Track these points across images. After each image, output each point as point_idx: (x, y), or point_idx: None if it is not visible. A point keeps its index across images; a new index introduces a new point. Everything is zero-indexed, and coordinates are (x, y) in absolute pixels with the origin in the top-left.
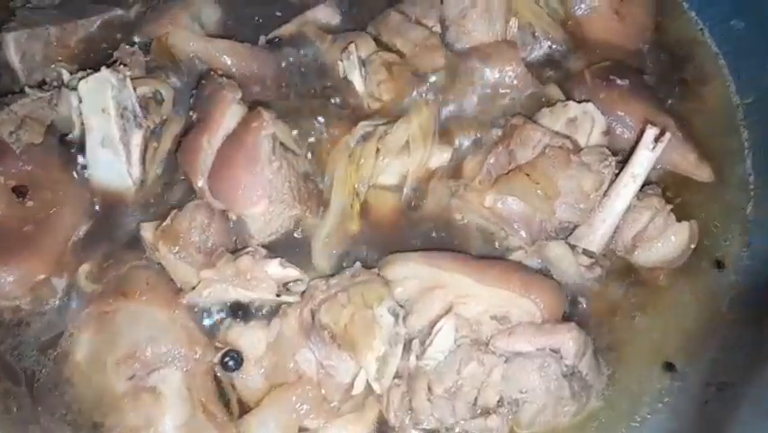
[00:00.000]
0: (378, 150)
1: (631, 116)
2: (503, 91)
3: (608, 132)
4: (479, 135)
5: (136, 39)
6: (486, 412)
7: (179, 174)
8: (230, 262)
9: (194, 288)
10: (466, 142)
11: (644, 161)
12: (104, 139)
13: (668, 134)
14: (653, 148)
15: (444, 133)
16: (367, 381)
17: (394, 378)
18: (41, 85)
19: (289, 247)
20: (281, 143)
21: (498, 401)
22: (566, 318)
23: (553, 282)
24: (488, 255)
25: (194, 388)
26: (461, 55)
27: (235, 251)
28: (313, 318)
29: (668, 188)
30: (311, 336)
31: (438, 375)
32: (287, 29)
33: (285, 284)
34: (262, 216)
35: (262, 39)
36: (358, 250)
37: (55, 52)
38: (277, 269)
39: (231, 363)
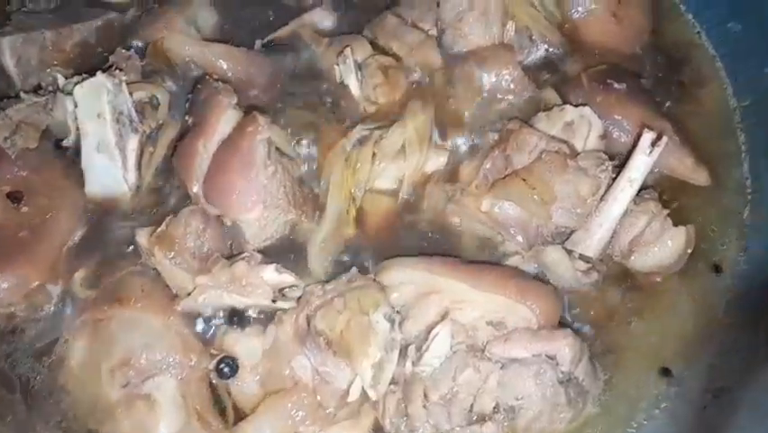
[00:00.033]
0: (374, 154)
1: (628, 120)
2: (500, 95)
3: (604, 136)
4: (475, 139)
5: (132, 43)
6: (482, 419)
7: (175, 179)
8: (225, 267)
9: (189, 294)
10: (463, 146)
11: (640, 166)
12: (99, 144)
13: (665, 139)
14: (650, 153)
15: (441, 136)
16: (362, 387)
17: (390, 384)
18: (36, 89)
19: (285, 252)
20: (277, 148)
21: (494, 408)
22: (562, 324)
23: (549, 288)
24: (484, 260)
25: (189, 395)
26: (457, 59)
27: (231, 256)
28: (308, 325)
29: (664, 192)
30: (307, 343)
31: (434, 382)
32: (283, 32)
33: (281, 290)
34: (257, 222)
35: (258, 43)
36: (354, 255)
37: (51, 57)
38: (272, 274)
39: (226, 369)
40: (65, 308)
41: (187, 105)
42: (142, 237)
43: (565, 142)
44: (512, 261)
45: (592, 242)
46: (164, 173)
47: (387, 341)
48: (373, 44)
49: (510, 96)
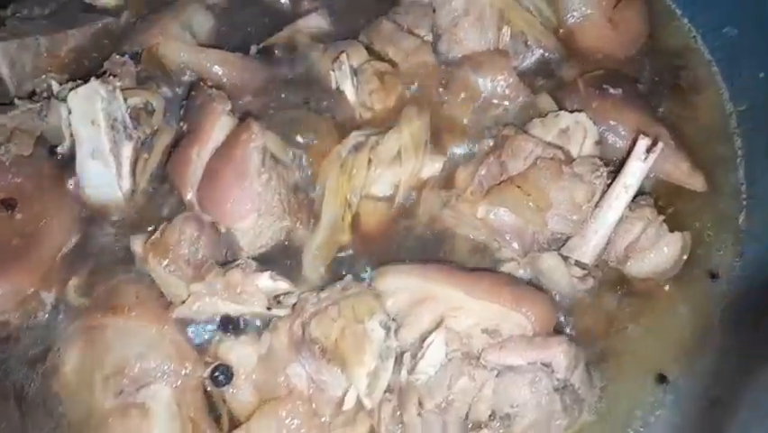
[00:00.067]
0: (370, 160)
1: (624, 125)
2: (495, 101)
3: (600, 142)
4: (471, 145)
5: (127, 49)
6: (477, 427)
7: (169, 186)
8: (219, 275)
9: (184, 301)
10: (458, 152)
11: (636, 172)
12: (93, 151)
13: (660, 145)
14: (646, 159)
15: (436, 142)
16: (358, 396)
17: (385, 392)
18: (30, 96)
19: (280, 259)
20: (271, 155)
21: (490, 416)
22: (558, 331)
23: (544, 295)
24: (480, 267)
25: (183, 404)
26: (452, 64)
27: (226, 263)
28: (303, 332)
29: (660, 198)
30: (301, 351)
31: (429, 390)
32: (278, 38)
33: (275, 297)
34: (252, 229)
35: (253, 48)
36: (349, 261)
37: (45, 63)
38: (267, 282)
39: (221, 377)
40: (59, 315)
41: (181, 111)
42: (137, 244)
43: (560, 148)
44: (507, 267)
45: (588, 248)
46: (159, 180)
47: (382, 349)
48: (369, 50)
49: (506, 102)
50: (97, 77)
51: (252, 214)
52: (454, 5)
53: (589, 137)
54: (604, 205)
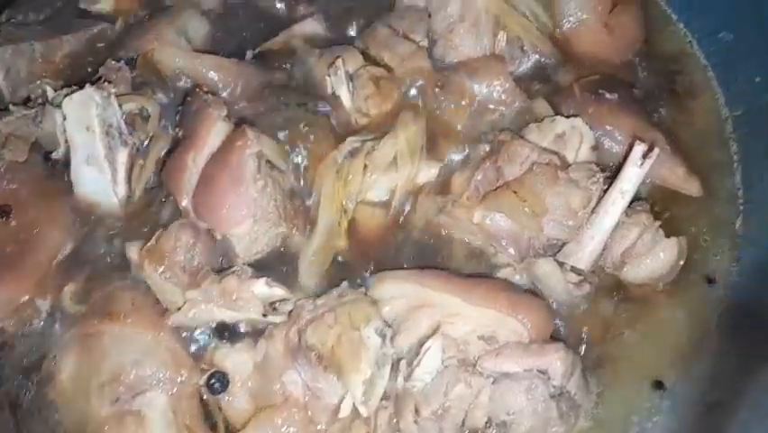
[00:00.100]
0: (365, 166)
1: (620, 131)
2: (491, 106)
3: (596, 147)
4: (467, 151)
5: (122, 54)
6: None
7: (165, 192)
8: (215, 282)
9: (179, 308)
10: (454, 157)
11: (632, 178)
12: (88, 157)
13: (656, 150)
14: (642, 164)
15: (432, 148)
16: (354, 403)
17: (381, 400)
18: (25, 102)
19: (276, 265)
20: (267, 161)
21: (486, 423)
22: (554, 337)
23: (541, 301)
24: (476, 272)
25: (179, 411)
26: (448, 69)
27: (222, 270)
28: (299, 339)
29: (656, 203)
30: (297, 358)
31: (425, 397)
32: (274, 43)
33: (271, 304)
34: (248, 236)
35: (249, 54)
36: (345, 267)
37: (40, 68)
38: (263, 288)
39: (217, 385)
40: (54, 323)
41: (177, 117)
42: (133, 251)
43: (556, 153)
44: (504, 272)
45: (584, 254)
46: (154, 186)
47: (378, 356)
48: (365, 55)
49: (502, 107)
50: (92, 83)
51: (248, 220)
52: (450, 11)
53: (585, 142)
54: (600, 210)
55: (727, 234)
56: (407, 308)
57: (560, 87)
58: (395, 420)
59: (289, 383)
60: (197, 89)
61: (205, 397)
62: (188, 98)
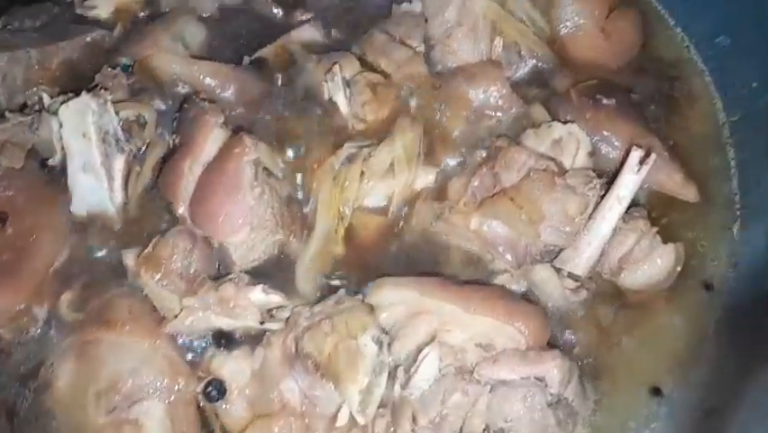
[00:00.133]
0: (362, 172)
1: (617, 136)
2: (488, 112)
3: (593, 153)
4: (464, 156)
5: (119, 61)
6: None
7: (162, 199)
8: (212, 289)
9: (176, 316)
10: (451, 163)
11: (629, 184)
12: (85, 164)
13: (653, 156)
14: (639, 171)
15: (429, 154)
16: (351, 412)
17: (378, 408)
18: (21, 109)
19: (273, 272)
20: (264, 168)
21: (484, 430)
22: (552, 344)
23: (538, 309)
24: (473, 278)
25: (176, 419)
26: (445, 75)
27: (219, 277)
28: (296, 347)
29: (654, 208)
30: (295, 366)
31: (423, 405)
32: (271, 49)
33: (268, 311)
34: (244, 243)
35: (246, 59)
36: (343, 273)
37: (36, 75)
38: (260, 295)
39: (214, 392)
40: (51, 330)
41: (174, 123)
42: (129, 258)
43: (553, 159)
44: (501, 279)
45: (581, 260)
46: (151, 193)
47: (375, 364)
48: (362, 61)
49: (499, 113)
50: (89, 90)
51: (245, 228)
52: (447, 16)
53: (582, 148)
54: (597, 217)
55: (725, 240)
56: (405, 315)
57: (557, 93)
58: (392, 429)
59: (287, 391)
60: (194, 96)
61: (202, 405)
62: (185, 105)
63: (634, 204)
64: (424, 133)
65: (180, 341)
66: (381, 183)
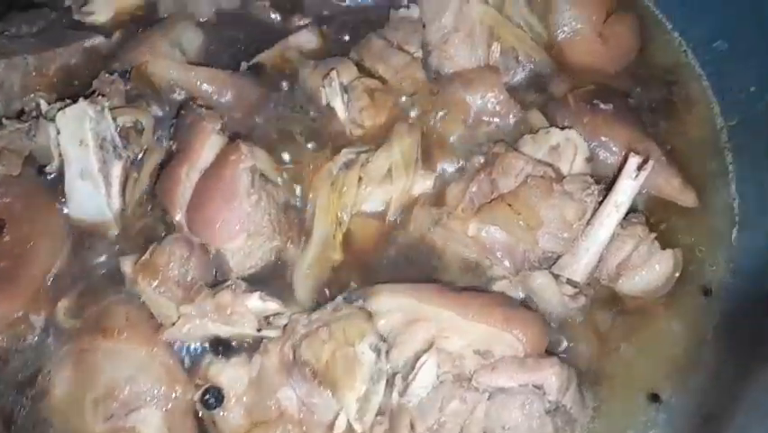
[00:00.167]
0: (360, 178)
1: (615, 141)
2: (485, 117)
3: (591, 158)
4: (462, 162)
5: (116, 67)
6: None
7: (160, 205)
8: (209, 296)
9: (174, 323)
10: (449, 169)
11: (627, 190)
12: (82, 171)
13: (651, 163)
14: (636, 177)
15: (427, 159)
16: (348, 420)
17: (376, 415)
18: (19, 115)
19: (271, 279)
20: (261, 174)
21: None
22: (550, 350)
23: (536, 316)
24: (471, 285)
25: (174, 427)
26: (443, 81)
27: (216, 284)
28: (294, 354)
29: (652, 214)
30: (292, 373)
31: (421, 413)
32: (268, 54)
33: (266, 318)
34: (241, 250)
35: (244, 65)
36: (340, 279)
37: (34, 82)
38: (257, 303)
39: (211, 400)
40: (48, 338)
41: (171, 129)
42: (127, 265)
43: (551, 165)
44: (499, 285)
45: (579, 266)
46: (149, 199)
47: (373, 371)
48: (359, 66)
49: (496, 119)
50: (86, 96)
51: (242, 235)
52: (444, 22)
53: (579, 154)
54: (595, 223)
55: (723, 245)
56: (403, 322)
57: (554, 98)
58: None
59: (284, 399)
60: (191, 102)
61: (200, 413)
62: (182, 111)
63: (632, 210)
64: (421, 138)
65: (177, 348)
66: (379, 189)
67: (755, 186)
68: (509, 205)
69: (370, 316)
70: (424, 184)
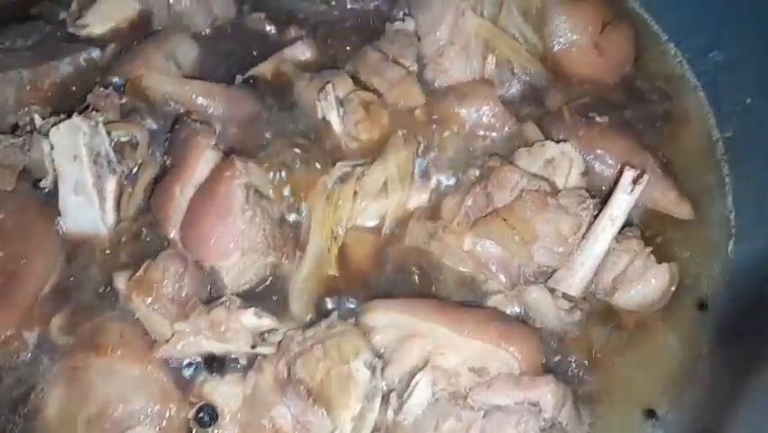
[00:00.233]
0: (355, 192)
1: (611, 154)
2: (480, 131)
3: (586, 172)
4: (457, 176)
5: (111, 80)
6: None
7: (154, 221)
8: (203, 313)
9: (168, 341)
10: (445, 182)
11: (622, 204)
12: (77, 186)
13: (646, 177)
14: (632, 191)
15: (422, 173)
16: None
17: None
18: (13, 129)
19: (266, 294)
20: (256, 190)
21: None
22: (546, 366)
23: (532, 332)
24: (466, 299)
25: None
26: (437, 94)
27: (210, 300)
28: (288, 372)
29: (648, 227)
30: (287, 391)
31: (416, 430)
32: (264, 67)
33: (261, 334)
34: (236, 266)
35: (239, 78)
36: (336, 294)
37: (28, 96)
38: (252, 319)
39: (205, 418)
40: (42, 355)
41: (166, 143)
42: (120, 282)
43: (546, 179)
44: (494, 300)
45: (574, 280)
46: (143, 214)
47: (368, 389)
48: (355, 79)
49: (491, 132)
50: (80, 111)
51: (236, 251)
52: (439, 35)
53: (574, 168)
54: (590, 237)
55: (719, 258)
56: (398, 338)
57: (550, 110)
58: None
59: (279, 417)
60: (186, 116)
61: (194, 431)
62: (177, 126)
63: (627, 223)
64: (416, 151)
65: (172, 366)
66: (375, 202)
67: (752, 198)
68: (504, 219)
69: (364, 332)
70: (419, 198)
